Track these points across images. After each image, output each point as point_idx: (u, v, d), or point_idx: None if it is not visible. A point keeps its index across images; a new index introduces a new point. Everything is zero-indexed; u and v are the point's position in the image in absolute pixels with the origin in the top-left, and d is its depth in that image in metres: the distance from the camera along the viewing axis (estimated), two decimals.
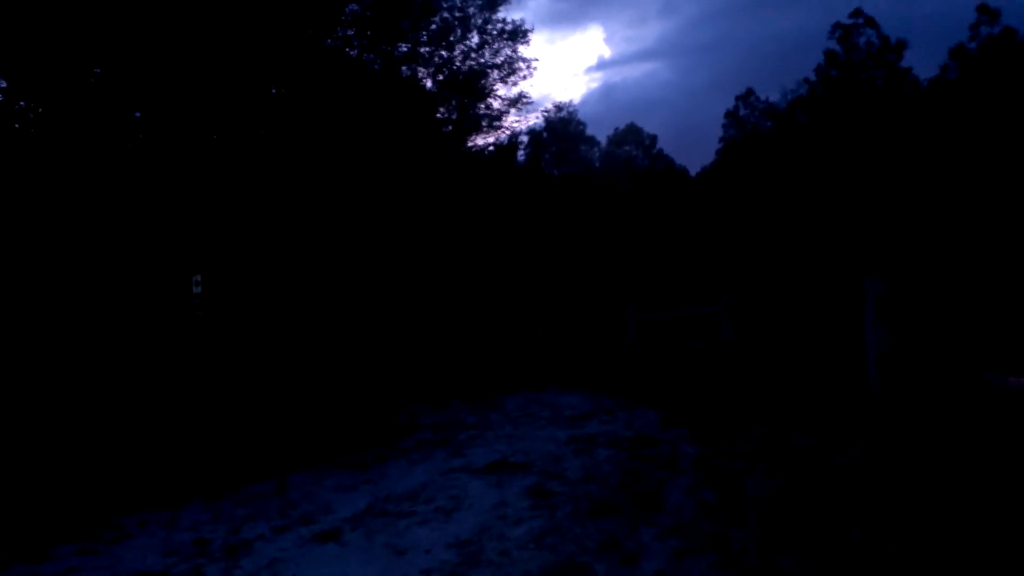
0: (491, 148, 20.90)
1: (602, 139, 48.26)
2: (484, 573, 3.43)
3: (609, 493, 4.59)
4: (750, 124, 33.40)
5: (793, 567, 3.11)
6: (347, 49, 14.61)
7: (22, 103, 9.14)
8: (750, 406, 6.88)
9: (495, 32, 19.87)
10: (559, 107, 32.32)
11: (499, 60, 19.89)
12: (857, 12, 29.50)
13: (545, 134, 37.94)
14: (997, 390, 3.87)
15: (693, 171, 37.25)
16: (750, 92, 35.92)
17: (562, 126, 39.96)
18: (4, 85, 9.30)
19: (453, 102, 19.33)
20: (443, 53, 19.13)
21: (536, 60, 22.44)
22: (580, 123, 44.33)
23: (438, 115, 18.35)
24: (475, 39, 19.74)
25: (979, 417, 4.39)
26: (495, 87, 19.94)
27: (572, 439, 6.51)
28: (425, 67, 18.71)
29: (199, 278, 8.03)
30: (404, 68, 17.57)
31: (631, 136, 48.17)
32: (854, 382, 5.55)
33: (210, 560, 3.89)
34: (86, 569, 3.86)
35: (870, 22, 29.23)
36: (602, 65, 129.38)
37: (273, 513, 4.76)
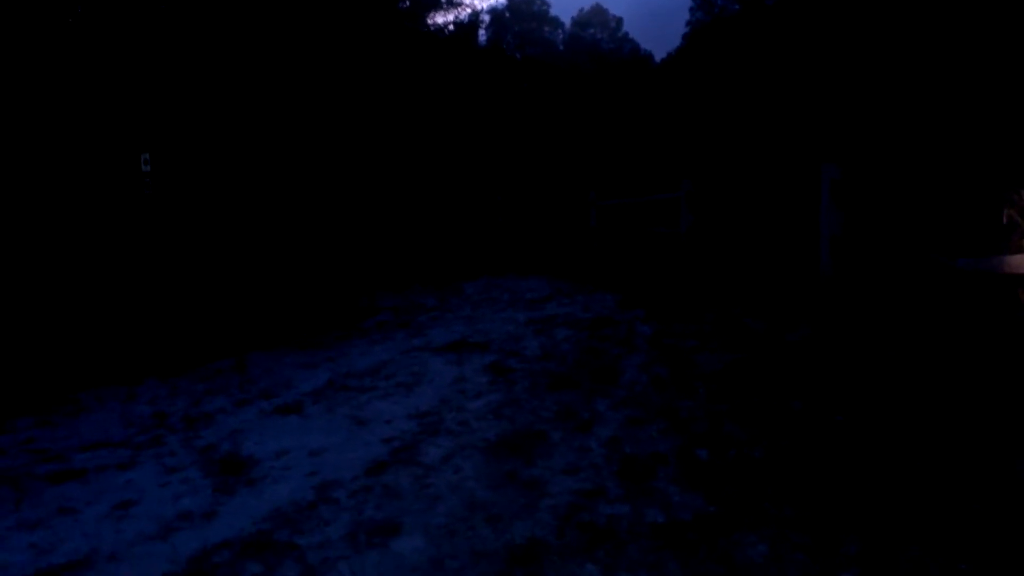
0: (451, 27, 19.96)
1: (566, 20, 46.54)
2: (444, 441, 3.52)
3: (566, 369, 4.70)
4: (718, 6, 32.37)
5: (738, 433, 3.26)
6: None
7: None
8: (706, 290, 7.03)
9: None
10: None
11: None
12: None
13: (507, 13, 36.45)
14: (945, 271, 3.99)
15: (660, 55, 36.33)
16: None
17: (525, 5, 38.39)
18: None
19: None
20: None
21: None
22: (544, 2, 42.58)
23: None
24: None
25: (925, 297, 4.54)
26: None
27: (531, 320, 6.61)
28: None
29: (147, 156, 7.70)
30: None
31: (596, 18, 46.49)
32: (807, 267, 5.68)
33: (170, 431, 3.92)
34: (44, 440, 3.87)
35: None
36: None
37: (233, 388, 4.79)
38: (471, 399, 4.21)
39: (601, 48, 44.05)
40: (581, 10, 46.99)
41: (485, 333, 6.14)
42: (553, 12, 44.35)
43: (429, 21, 18.93)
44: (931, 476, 2.65)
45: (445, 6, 19.10)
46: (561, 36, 45.54)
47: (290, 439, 3.70)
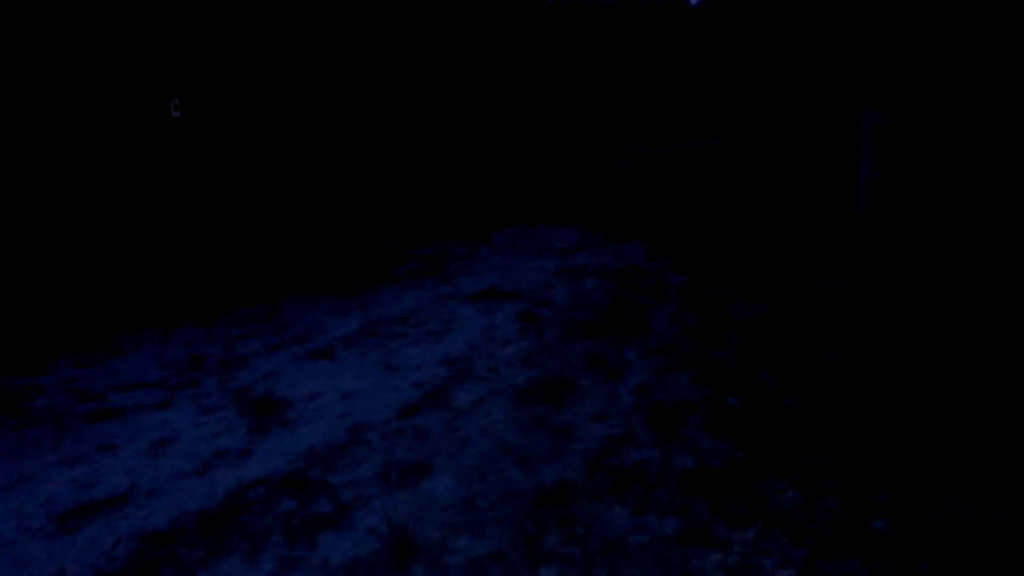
0: None
1: None
2: (474, 386, 3.54)
3: (596, 318, 4.68)
4: None
5: (770, 381, 3.22)
6: None
7: None
8: (739, 239, 6.91)
9: None
10: None
11: None
12: None
13: None
14: (988, 218, 3.86)
15: None
16: None
17: None
18: None
19: None
20: None
21: None
22: None
23: None
24: None
25: (966, 245, 4.41)
26: None
27: (561, 270, 6.57)
28: None
29: (178, 102, 7.71)
30: None
31: None
32: (844, 215, 5.54)
33: (205, 373, 4.00)
34: (83, 380, 3.97)
35: None
36: None
37: (267, 332, 4.86)
38: (501, 346, 4.22)
39: None
40: None
41: (515, 282, 6.12)
42: None
43: None
44: (967, 425, 2.60)
45: None
46: None
47: (322, 382, 3.75)
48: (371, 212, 10.86)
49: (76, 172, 7.49)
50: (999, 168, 4.80)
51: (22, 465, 2.92)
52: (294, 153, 9.90)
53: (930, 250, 4.74)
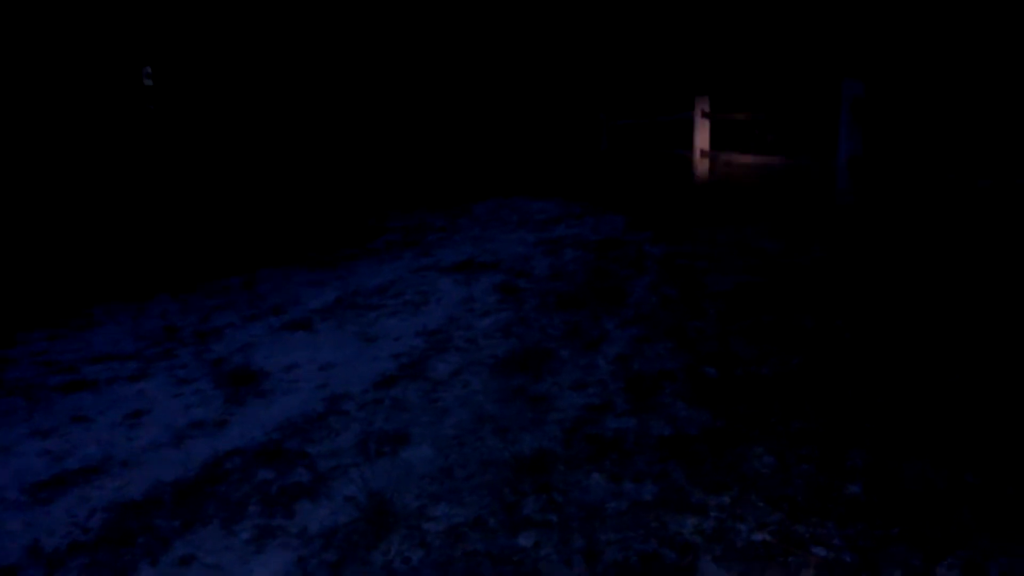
0: None
1: None
2: (452, 357, 3.53)
3: (575, 289, 4.68)
4: None
5: (747, 351, 3.25)
6: None
7: None
8: (719, 213, 6.93)
9: None
10: None
11: None
12: None
13: None
14: (963, 190, 3.90)
15: None
16: None
17: None
18: None
19: None
20: None
21: None
22: None
23: None
24: None
25: (944, 218, 4.46)
26: None
27: (540, 241, 6.56)
28: None
29: (150, 70, 7.54)
30: None
31: None
32: (823, 190, 5.57)
33: (180, 344, 3.96)
34: (55, 352, 3.91)
35: None
36: None
37: (243, 304, 4.81)
38: (479, 317, 4.21)
39: None
40: None
41: (494, 253, 6.10)
42: None
43: None
44: (940, 392, 2.64)
45: None
46: None
47: (299, 354, 3.72)
48: (349, 184, 10.74)
49: (47, 143, 7.32)
50: (976, 141, 4.84)
51: None
52: (272, 124, 9.76)
53: (908, 222, 4.78)
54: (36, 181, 6.73)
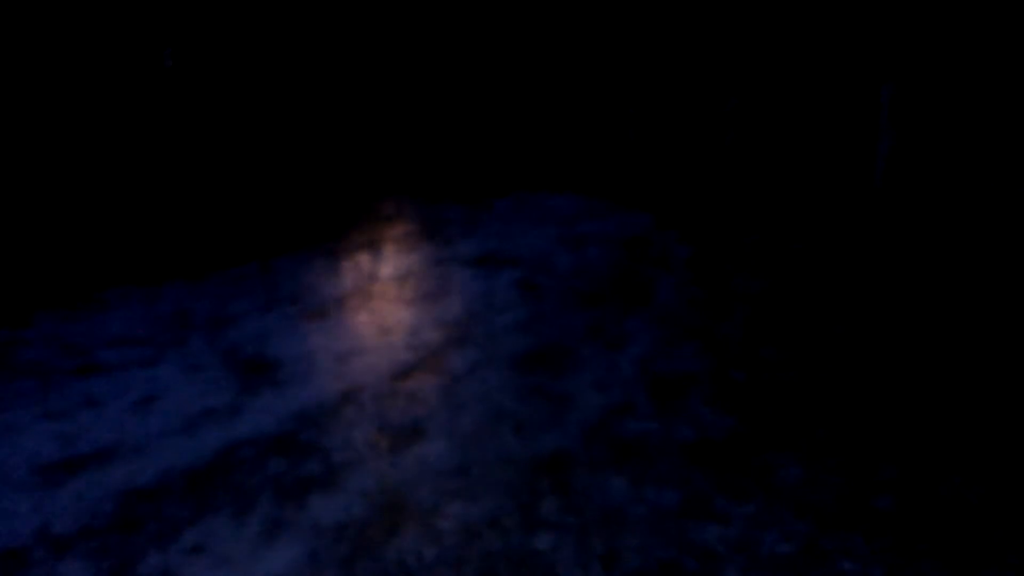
0: None
1: None
2: (470, 352, 3.47)
3: (598, 287, 4.60)
4: None
5: (775, 356, 3.16)
6: None
7: None
8: (750, 211, 6.81)
9: None
10: None
11: None
12: None
13: None
14: (997, 191, 3.77)
15: None
16: None
17: None
18: None
19: None
20: None
21: None
22: None
23: None
24: None
25: (982, 223, 4.33)
26: None
27: (563, 238, 6.47)
28: None
29: (171, 51, 7.53)
30: None
31: None
32: (858, 190, 5.44)
33: (195, 331, 3.92)
34: (69, 336, 3.88)
35: None
36: None
37: (258, 292, 4.76)
38: (499, 313, 4.14)
39: None
40: None
41: (515, 248, 6.03)
42: None
43: None
44: (977, 404, 2.53)
45: None
46: None
47: (315, 343, 3.67)
48: (368, 173, 10.70)
49: (63, 125, 7.33)
50: (1009, 147, 4.70)
51: (5, 417, 2.85)
52: (291, 111, 9.73)
53: (946, 226, 4.66)
54: (53, 164, 6.74)
